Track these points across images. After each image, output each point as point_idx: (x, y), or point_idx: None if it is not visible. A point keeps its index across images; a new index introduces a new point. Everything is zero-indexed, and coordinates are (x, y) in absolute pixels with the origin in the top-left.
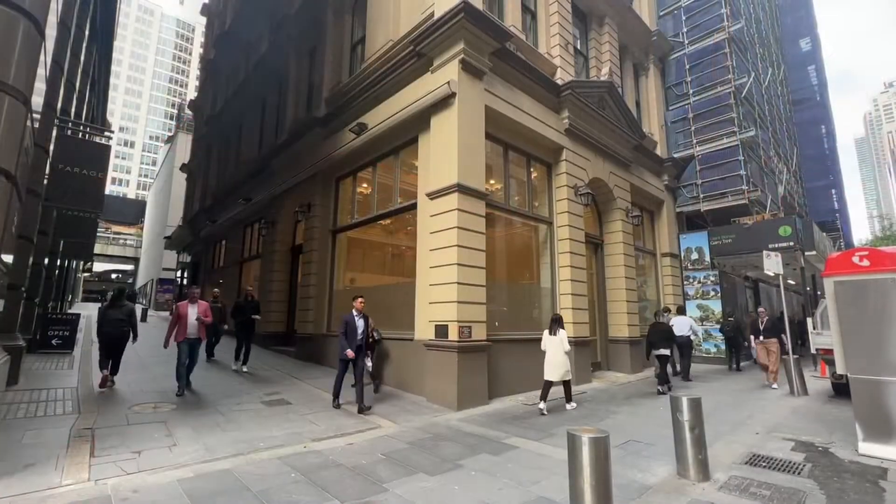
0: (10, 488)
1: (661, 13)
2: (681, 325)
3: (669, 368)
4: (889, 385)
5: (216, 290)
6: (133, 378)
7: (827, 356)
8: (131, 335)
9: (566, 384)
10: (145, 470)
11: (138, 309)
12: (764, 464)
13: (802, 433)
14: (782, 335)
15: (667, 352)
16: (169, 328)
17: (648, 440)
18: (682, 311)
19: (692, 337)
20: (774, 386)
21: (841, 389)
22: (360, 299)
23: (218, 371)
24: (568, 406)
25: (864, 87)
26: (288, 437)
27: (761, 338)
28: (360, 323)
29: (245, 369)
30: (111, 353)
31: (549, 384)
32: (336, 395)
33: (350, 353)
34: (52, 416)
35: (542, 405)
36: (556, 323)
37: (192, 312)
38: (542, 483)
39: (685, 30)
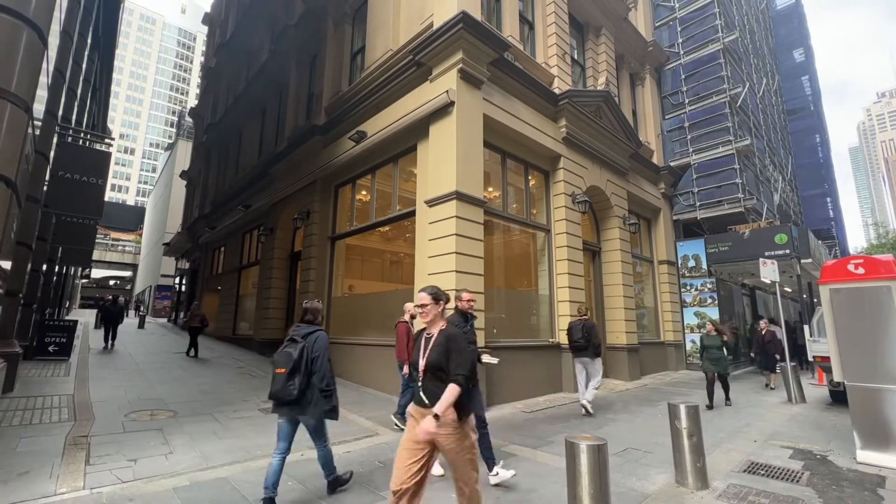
0: (3, 497)
1: (657, 24)
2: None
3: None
4: (886, 393)
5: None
6: (130, 385)
7: (824, 364)
8: (122, 319)
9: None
10: (141, 478)
11: (134, 315)
12: (762, 472)
13: (800, 441)
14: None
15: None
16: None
17: (646, 448)
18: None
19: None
20: None
21: (838, 397)
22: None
23: (214, 377)
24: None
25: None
26: None
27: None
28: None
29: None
30: (112, 329)
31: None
32: None
33: None
34: (48, 424)
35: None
36: None
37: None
38: (539, 491)
39: (681, 40)
